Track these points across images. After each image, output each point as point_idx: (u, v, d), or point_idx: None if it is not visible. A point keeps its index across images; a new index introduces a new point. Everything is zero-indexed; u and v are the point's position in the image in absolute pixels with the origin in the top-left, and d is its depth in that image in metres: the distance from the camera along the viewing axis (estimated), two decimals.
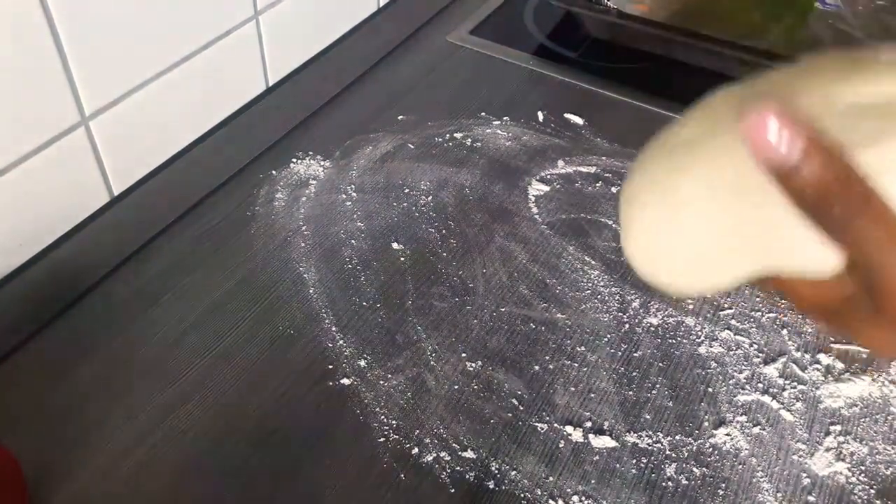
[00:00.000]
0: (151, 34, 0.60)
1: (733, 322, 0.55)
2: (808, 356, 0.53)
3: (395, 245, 0.60)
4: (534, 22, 0.87)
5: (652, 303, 0.56)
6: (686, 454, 0.48)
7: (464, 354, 0.53)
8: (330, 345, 0.53)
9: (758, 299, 0.56)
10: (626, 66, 0.79)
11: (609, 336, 0.54)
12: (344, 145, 0.69)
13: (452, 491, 0.45)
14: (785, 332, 0.54)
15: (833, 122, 0.29)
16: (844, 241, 0.28)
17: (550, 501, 0.45)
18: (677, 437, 0.49)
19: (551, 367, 0.52)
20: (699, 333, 0.54)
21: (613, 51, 0.81)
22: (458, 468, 0.47)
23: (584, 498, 0.45)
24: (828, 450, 0.48)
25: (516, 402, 0.50)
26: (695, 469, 0.47)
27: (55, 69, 0.54)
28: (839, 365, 0.52)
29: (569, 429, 0.49)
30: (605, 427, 0.49)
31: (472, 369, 0.52)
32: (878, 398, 0.50)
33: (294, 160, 0.67)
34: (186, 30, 0.63)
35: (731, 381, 0.51)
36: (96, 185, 0.61)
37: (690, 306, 0.56)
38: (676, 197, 0.32)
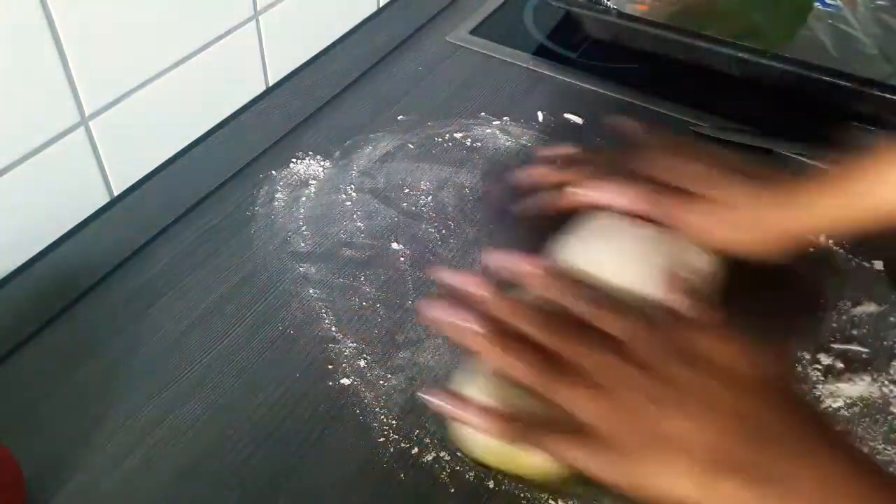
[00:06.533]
0: (151, 34, 0.60)
1: None
2: (807, 356, 0.52)
3: (394, 245, 0.60)
4: (533, 22, 0.87)
5: None
6: None
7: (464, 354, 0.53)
8: (330, 345, 0.53)
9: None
10: (626, 66, 0.79)
11: None
12: (344, 145, 0.69)
13: (452, 491, 0.45)
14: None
15: None
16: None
17: (550, 501, 0.45)
18: None
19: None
20: None
21: (613, 51, 0.81)
22: (458, 468, 0.46)
23: (584, 499, 0.45)
24: None
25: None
26: None
27: (55, 69, 0.54)
28: (839, 365, 0.52)
29: None
30: None
31: None
32: (878, 398, 0.50)
33: (294, 160, 0.67)
34: (186, 30, 0.63)
35: None
36: (96, 185, 0.61)
37: None
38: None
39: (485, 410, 0.40)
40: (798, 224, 0.50)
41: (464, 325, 0.41)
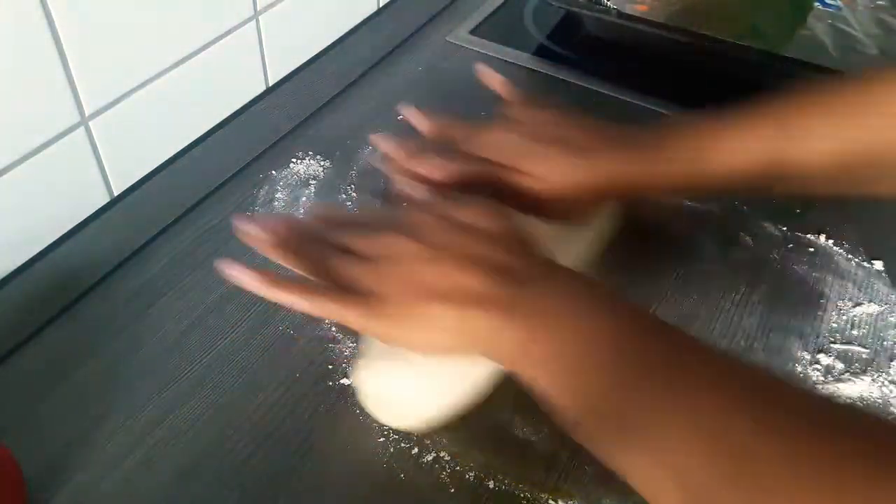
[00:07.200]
0: (151, 34, 0.60)
1: None
2: (807, 356, 0.53)
3: None
4: (533, 22, 0.87)
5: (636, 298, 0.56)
6: None
7: None
8: (330, 345, 0.53)
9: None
10: (626, 66, 0.79)
11: None
12: (344, 145, 0.69)
13: (452, 491, 0.45)
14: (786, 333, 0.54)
15: None
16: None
17: (550, 502, 0.45)
18: None
19: None
20: (711, 333, 0.54)
21: (613, 51, 0.81)
22: (458, 468, 0.46)
23: (584, 499, 0.45)
24: None
25: (517, 401, 0.50)
26: None
27: (55, 69, 0.54)
28: (839, 365, 0.52)
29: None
30: None
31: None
32: (878, 398, 0.50)
33: (294, 160, 0.67)
34: (186, 30, 0.63)
35: None
36: (96, 185, 0.61)
37: (703, 311, 0.56)
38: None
39: (264, 272, 0.43)
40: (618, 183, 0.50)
41: (256, 235, 0.45)
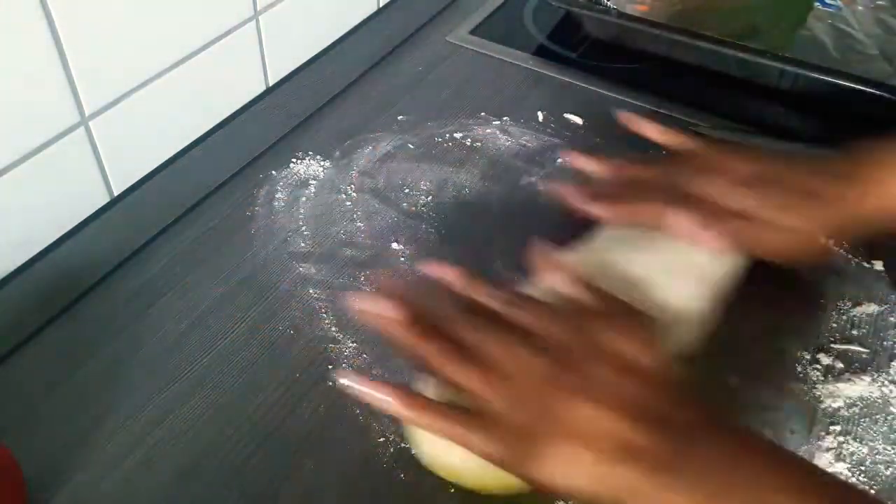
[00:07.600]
0: (151, 34, 0.60)
1: None
2: (807, 356, 0.53)
3: (394, 245, 0.60)
4: (533, 22, 0.87)
5: None
6: None
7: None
8: (330, 345, 0.53)
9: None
10: (626, 66, 0.79)
11: None
12: (344, 145, 0.69)
13: (452, 491, 0.45)
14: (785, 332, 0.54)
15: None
16: None
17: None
18: None
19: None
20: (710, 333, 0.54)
21: (613, 51, 0.81)
22: None
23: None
24: (828, 450, 0.47)
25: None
26: None
27: (55, 69, 0.54)
28: (839, 365, 0.52)
29: None
30: None
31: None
32: (878, 398, 0.50)
33: (294, 160, 0.67)
34: (186, 30, 0.63)
35: None
36: (96, 185, 0.61)
37: None
38: None
39: (394, 390, 0.40)
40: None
41: (382, 314, 0.42)
